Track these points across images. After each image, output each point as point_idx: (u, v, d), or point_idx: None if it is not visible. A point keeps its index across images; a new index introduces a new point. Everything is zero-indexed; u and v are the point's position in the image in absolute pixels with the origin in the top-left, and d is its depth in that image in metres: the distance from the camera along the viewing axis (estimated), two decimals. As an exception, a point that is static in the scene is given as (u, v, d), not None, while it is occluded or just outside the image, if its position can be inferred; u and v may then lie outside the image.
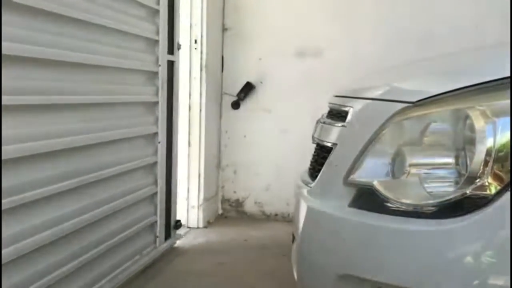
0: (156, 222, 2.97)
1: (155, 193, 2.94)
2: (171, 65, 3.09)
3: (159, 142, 2.92)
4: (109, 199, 2.45)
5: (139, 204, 2.77)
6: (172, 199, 3.20)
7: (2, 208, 1.74)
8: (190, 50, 3.64)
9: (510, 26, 2.87)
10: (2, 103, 1.71)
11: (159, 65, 2.89)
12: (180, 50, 3.20)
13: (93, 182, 2.28)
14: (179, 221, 3.31)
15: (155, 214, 2.97)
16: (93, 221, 2.29)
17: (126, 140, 2.60)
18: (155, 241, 2.99)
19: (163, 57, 2.95)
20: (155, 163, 2.91)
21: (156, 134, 2.90)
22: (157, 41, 2.87)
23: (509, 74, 1.23)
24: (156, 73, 2.88)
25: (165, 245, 3.11)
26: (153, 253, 2.95)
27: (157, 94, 2.89)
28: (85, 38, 2.21)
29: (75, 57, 2.12)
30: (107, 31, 2.39)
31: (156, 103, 2.89)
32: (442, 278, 1.21)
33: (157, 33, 2.87)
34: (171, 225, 3.21)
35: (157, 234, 3.00)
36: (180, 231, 3.41)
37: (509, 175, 1.18)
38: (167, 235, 3.16)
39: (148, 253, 2.90)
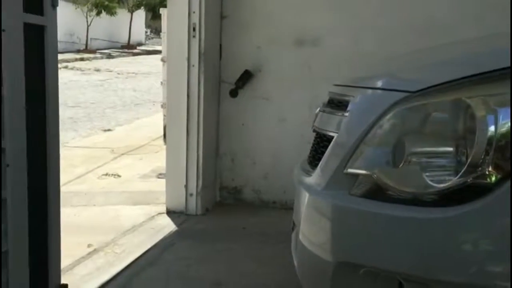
0: None
1: (5, 252, 1.79)
2: (37, 34, 1.82)
3: (7, 165, 1.76)
4: None
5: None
6: (51, 256, 2.01)
7: None
8: (189, 38, 3.62)
9: (510, 16, 2.87)
10: None
11: (3, 30, 1.65)
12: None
13: None
14: (64, 286, 2.13)
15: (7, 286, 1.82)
16: None
17: None
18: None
19: (14, 16, 1.69)
20: (4, 201, 1.77)
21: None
22: None
23: (509, 64, 1.24)
24: None
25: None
26: None
27: None
28: None
29: None
30: None
31: None
32: (441, 265, 1.23)
33: None
34: None
35: None
36: None
37: (509, 165, 1.19)
38: None
39: None
